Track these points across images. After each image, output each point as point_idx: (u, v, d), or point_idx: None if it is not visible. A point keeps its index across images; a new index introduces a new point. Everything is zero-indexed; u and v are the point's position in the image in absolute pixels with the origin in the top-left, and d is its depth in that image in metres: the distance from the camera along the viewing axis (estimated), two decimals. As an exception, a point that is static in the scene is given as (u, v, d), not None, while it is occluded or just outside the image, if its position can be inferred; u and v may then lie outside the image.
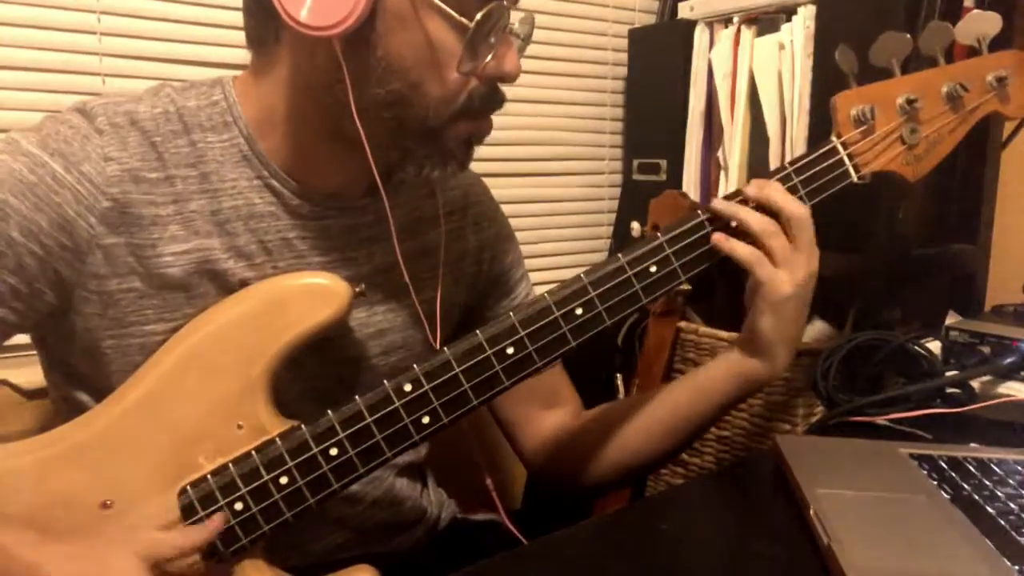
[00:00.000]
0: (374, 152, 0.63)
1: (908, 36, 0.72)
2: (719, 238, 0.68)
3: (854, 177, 0.71)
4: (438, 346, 0.71)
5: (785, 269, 0.68)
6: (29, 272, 0.61)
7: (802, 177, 0.70)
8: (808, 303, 0.71)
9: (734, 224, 0.69)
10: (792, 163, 0.71)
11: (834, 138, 0.71)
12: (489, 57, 0.61)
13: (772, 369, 0.74)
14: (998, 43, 0.75)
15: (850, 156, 0.71)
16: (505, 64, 0.62)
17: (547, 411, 0.86)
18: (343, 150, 0.66)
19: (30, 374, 0.90)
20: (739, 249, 0.68)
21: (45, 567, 0.52)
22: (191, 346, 0.62)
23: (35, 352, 0.72)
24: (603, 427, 0.81)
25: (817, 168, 0.70)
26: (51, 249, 0.61)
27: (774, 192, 0.68)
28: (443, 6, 0.58)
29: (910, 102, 0.71)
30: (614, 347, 1.33)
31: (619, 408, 0.83)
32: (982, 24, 0.73)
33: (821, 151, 0.71)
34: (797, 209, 0.68)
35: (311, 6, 0.57)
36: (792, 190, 0.70)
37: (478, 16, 0.58)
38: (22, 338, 0.74)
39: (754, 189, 0.69)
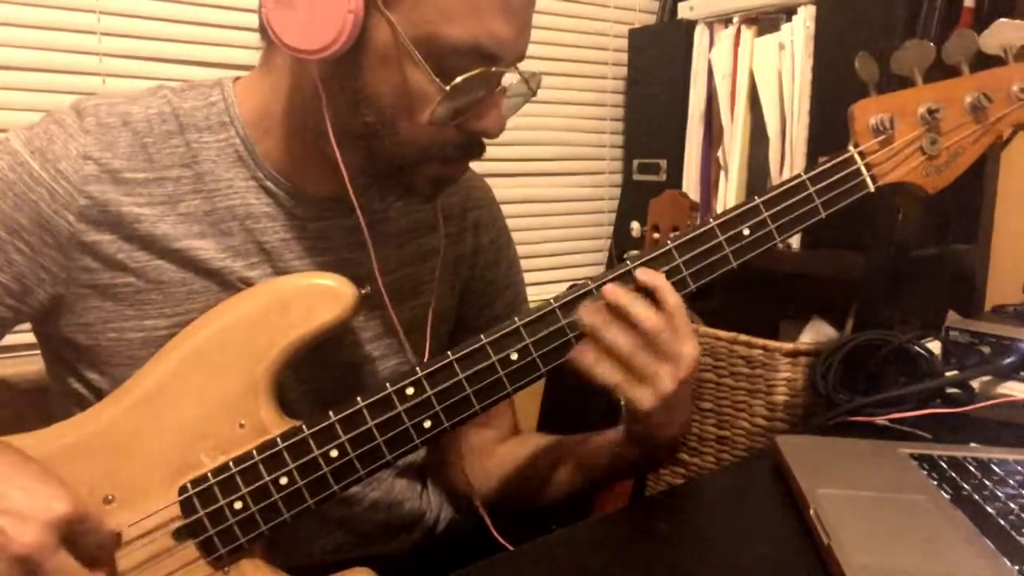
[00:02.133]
0: (350, 171, 0.63)
1: (931, 44, 0.70)
2: (578, 355, 0.63)
3: (871, 188, 0.69)
4: (426, 355, 0.72)
5: (647, 386, 0.62)
6: (18, 268, 0.62)
7: (817, 187, 0.68)
8: (684, 405, 0.67)
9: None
10: (807, 171, 0.68)
11: (851, 147, 0.69)
12: (470, 112, 0.61)
13: (653, 464, 0.76)
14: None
15: (868, 166, 0.69)
16: (485, 123, 0.62)
17: (481, 429, 0.86)
18: (326, 162, 0.66)
19: (29, 373, 0.90)
20: (598, 371, 0.63)
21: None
22: (196, 344, 0.63)
23: (35, 352, 0.72)
24: (517, 462, 0.82)
25: (833, 178, 0.68)
26: (35, 246, 0.62)
27: (632, 307, 0.62)
28: (425, 65, 0.57)
29: (931, 112, 0.69)
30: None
31: (533, 448, 0.83)
32: (1008, 33, 0.71)
33: (837, 161, 0.69)
34: (654, 321, 0.62)
35: (297, 29, 0.57)
36: (807, 200, 0.67)
37: (457, 81, 0.57)
38: (22, 338, 0.74)
39: (613, 296, 0.63)
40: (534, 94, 0.66)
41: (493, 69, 0.59)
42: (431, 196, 0.68)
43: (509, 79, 0.64)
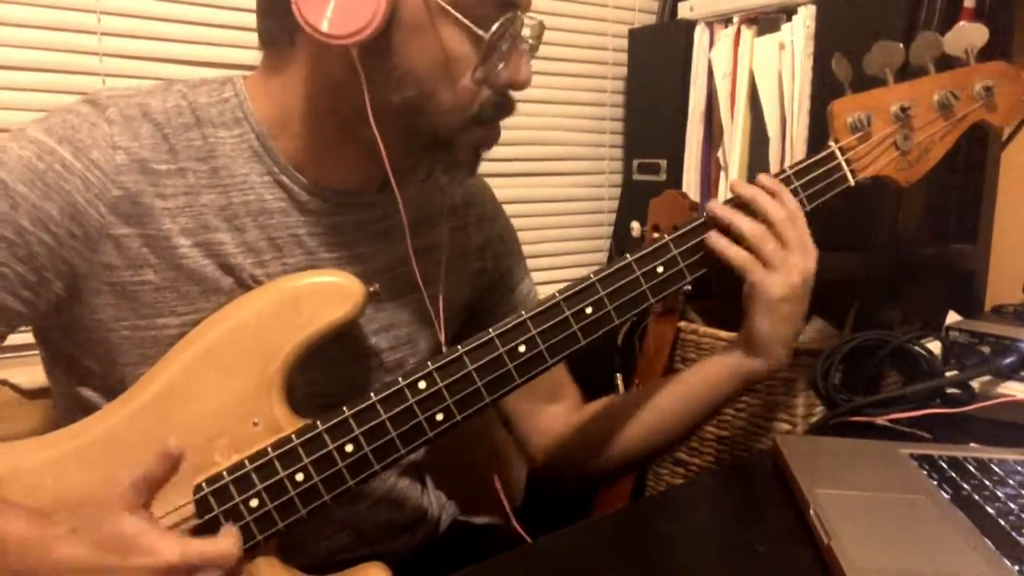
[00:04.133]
0: (388, 154, 0.64)
1: (900, 45, 0.74)
2: (713, 239, 0.70)
3: (851, 182, 0.73)
4: (444, 342, 0.72)
5: (777, 272, 0.69)
6: (39, 261, 0.61)
7: (802, 181, 0.72)
8: (805, 302, 0.72)
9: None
10: (792, 167, 0.72)
11: (832, 143, 0.73)
12: (501, 66, 0.62)
13: (770, 367, 0.76)
14: (994, 50, 0.77)
15: (848, 161, 0.73)
16: (517, 74, 0.63)
17: (550, 405, 0.87)
18: (355, 151, 0.67)
19: (30, 374, 0.90)
20: (731, 252, 0.70)
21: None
22: (207, 343, 0.63)
23: (35, 352, 0.72)
24: (605, 422, 0.83)
25: (816, 172, 0.72)
26: (61, 238, 0.61)
27: (759, 197, 0.70)
28: (459, 16, 0.59)
29: (903, 109, 0.73)
30: (614, 347, 1.33)
31: (620, 403, 0.84)
32: (969, 36, 0.75)
33: (820, 156, 0.73)
34: (779, 212, 0.69)
35: (331, 16, 0.58)
36: (793, 193, 0.71)
37: (494, 27, 0.60)
38: (22, 338, 0.74)
39: (743, 190, 0.71)
40: (537, 46, 0.67)
41: (518, 14, 0.61)
42: (474, 166, 0.69)
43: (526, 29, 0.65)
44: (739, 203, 0.71)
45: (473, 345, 0.64)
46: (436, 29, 0.60)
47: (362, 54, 0.60)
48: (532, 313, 0.65)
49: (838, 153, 0.73)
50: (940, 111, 0.75)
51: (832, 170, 0.73)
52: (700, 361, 0.80)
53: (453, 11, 0.59)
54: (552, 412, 0.87)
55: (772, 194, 0.70)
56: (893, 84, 0.74)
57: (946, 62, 0.76)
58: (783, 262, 0.69)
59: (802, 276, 0.69)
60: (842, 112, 0.73)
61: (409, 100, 0.62)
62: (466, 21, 0.59)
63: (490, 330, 0.64)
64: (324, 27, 0.58)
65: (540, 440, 0.87)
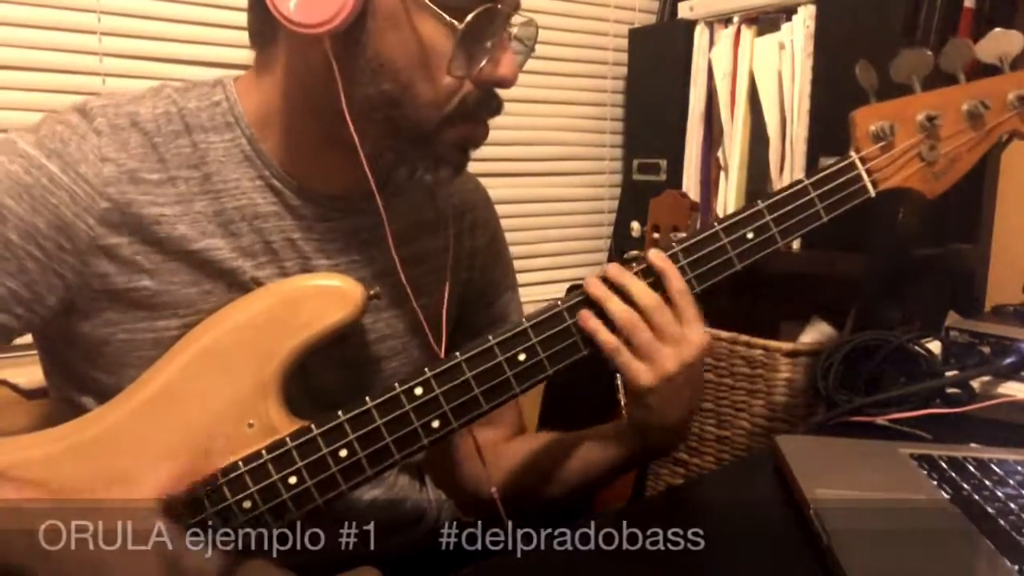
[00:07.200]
0: (369, 154, 0.63)
1: (929, 52, 0.71)
2: (584, 316, 0.64)
3: (872, 193, 0.70)
4: (443, 354, 0.71)
5: (646, 362, 0.64)
6: (30, 275, 0.61)
7: (820, 191, 0.69)
8: (685, 391, 0.67)
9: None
10: (810, 177, 0.70)
11: (852, 153, 0.71)
12: (484, 61, 0.61)
13: (654, 449, 0.76)
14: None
15: (868, 172, 0.70)
16: (500, 69, 0.62)
17: (486, 427, 0.84)
18: (340, 152, 0.66)
19: (30, 374, 0.90)
20: (600, 335, 0.64)
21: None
22: (205, 344, 0.63)
23: (36, 352, 0.72)
24: (520, 459, 0.83)
25: (835, 183, 0.69)
26: (50, 252, 0.61)
27: (630, 285, 0.64)
28: (433, 7, 0.58)
29: (930, 119, 0.70)
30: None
31: (538, 445, 0.84)
32: (1004, 43, 0.72)
33: (839, 166, 0.70)
34: (649, 299, 0.64)
35: (299, 2, 0.57)
36: (809, 204, 0.68)
37: (468, 18, 0.58)
38: (22, 338, 0.74)
39: (612, 272, 0.66)
40: (533, 50, 0.66)
41: (499, 6, 0.59)
42: (460, 164, 0.67)
43: (515, 25, 0.64)
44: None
45: (472, 352, 0.63)
46: (411, 20, 0.59)
47: (336, 45, 0.59)
48: (533, 322, 0.64)
49: (858, 163, 0.70)
50: (969, 121, 0.71)
51: (852, 181, 0.69)
52: (602, 427, 0.79)
53: (427, 1, 0.58)
54: (485, 435, 0.83)
55: (659, 273, 0.65)
56: (920, 92, 0.71)
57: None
58: (656, 352, 0.63)
59: (679, 364, 0.64)
60: (864, 121, 0.71)
61: (386, 93, 0.61)
62: (439, 11, 0.58)
63: (489, 337, 0.64)
64: (293, 15, 0.57)
65: (461, 457, 0.86)
